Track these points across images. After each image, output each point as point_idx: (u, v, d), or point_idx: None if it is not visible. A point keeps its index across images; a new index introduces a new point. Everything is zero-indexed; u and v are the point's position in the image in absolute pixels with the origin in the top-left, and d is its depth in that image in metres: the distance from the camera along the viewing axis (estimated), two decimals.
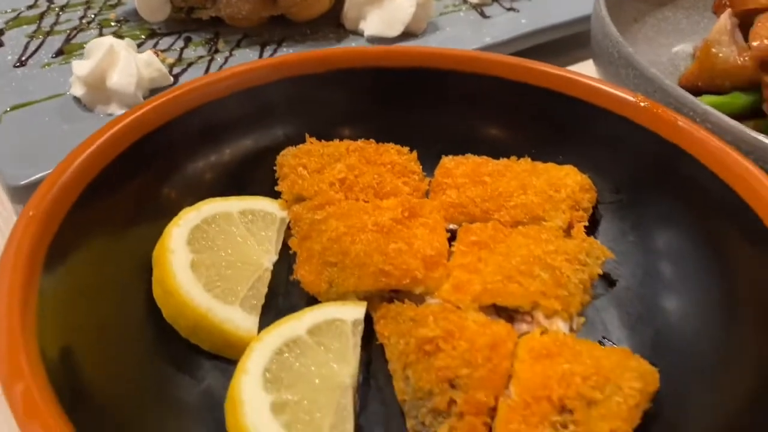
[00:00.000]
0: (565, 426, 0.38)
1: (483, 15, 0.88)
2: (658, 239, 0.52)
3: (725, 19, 0.73)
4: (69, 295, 0.42)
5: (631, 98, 0.54)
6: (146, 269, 0.48)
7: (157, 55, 0.74)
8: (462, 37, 0.81)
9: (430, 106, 0.62)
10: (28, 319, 0.37)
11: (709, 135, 0.50)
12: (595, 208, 0.56)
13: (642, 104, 0.54)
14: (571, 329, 0.45)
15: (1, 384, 0.32)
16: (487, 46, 0.80)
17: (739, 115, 0.71)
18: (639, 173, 0.54)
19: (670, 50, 0.83)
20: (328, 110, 0.60)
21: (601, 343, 0.48)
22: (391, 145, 0.59)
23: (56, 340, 0.38)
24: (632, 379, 0.40)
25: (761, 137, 0.49)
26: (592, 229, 0.55)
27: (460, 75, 0.60)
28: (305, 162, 0.56)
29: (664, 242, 0.51)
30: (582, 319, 0.47)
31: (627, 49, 0.60)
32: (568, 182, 0.54)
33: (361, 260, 0.47)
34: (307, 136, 0.58)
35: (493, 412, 0.40)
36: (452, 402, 0.40)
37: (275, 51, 0.78)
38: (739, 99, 0.71)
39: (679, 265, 0.50)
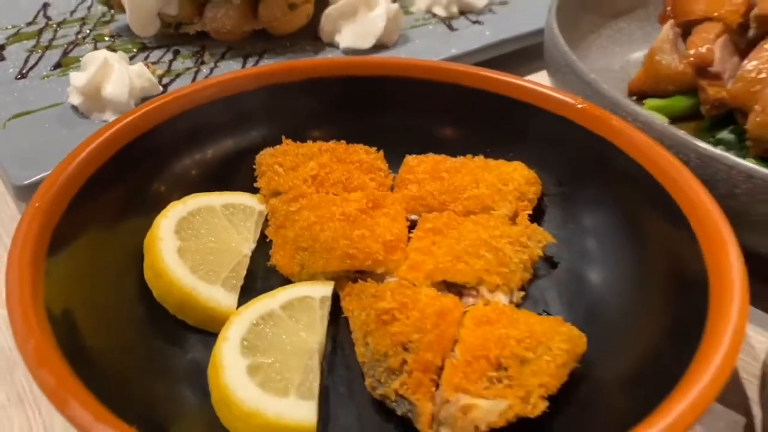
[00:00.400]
0: (500, 380, 0.44)
1: (450, 28, 0.95)
2: (593, 224, 0.58)
3: (667, 29, 0.80)
4: (70, 275, 0.48)
5: (570, 101, 0.61)
6: (138, 255, 0.54)
7: (148, 67, 0.80)
8: (430, 49, 0.88)
9: (395, 111, 0.68)
10: (37, 292, 0.43)
11: (637, 131, 0.56)
12: (541, 199, 0.62)
13: (579, 106, 0.60)
14: (511, 301, 0.52)
15: (15, 340, 0.38)
16: (454, 57, 0.86)
17: (681, 117, 0.78)
18: (579, 167, 0.61)
19: (623, 58, 0.90)
20: (302, 115, 0.67)
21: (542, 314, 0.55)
22: (360, 145, 0.66)
23: (61, 312, 0.44)
24: (561, 341, 0.47)
25: (680, 133, 0.56)
26: (538, 218, 0.61)
27: (421, 82, 0.66)
28: (281, 161, 0.63)
29: (598, 227, 0.58)
30: (521, 293, 0.53)
31: (571, 57, 0.66)
32: (515, 176, 0.61)
33: (329, 245, 0.54)
34: (283, 138, 0.65)
35: (440, 370, 0.46)
36: (404, 362, 0.46)
37: (257, 62, 0.84)
38: (681, 102, 0.78)
39: (609, 247, 0.56)
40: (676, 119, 0.78)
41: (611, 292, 0.53)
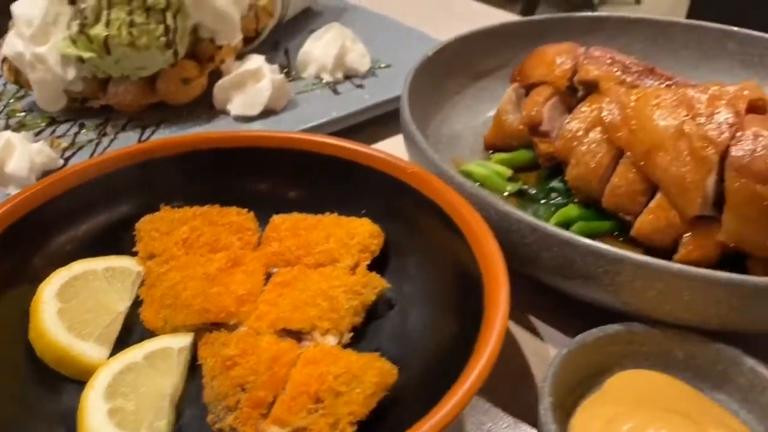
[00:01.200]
0: (316, 411, 0.54)
1: (335, 92, 1.06)
2: (421, 268, 0.69)
3: (510, 92, 0.92)
4: None
5: (403, 166, 0.72)
6: (26, 318, 0.62)
7: (53, 142, 0.89)
8: (313, 113, 0.98)
9: (265, 176, 0.78)
10: None
11: (452, 192, 0.67)
12: (386, 249, 0.72)
13: (409, 171, 0.71)
14: (340, 342, 0.62)
15: None
16: (334, 120, 0.97)
17: (524, 167, 0.90)
18: (412, 221, 0.71)
19: (486, 115, 1.01)
20: (180, 184, 0.76)
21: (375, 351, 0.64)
22: (234, 208, 0.75)
23: None
24: (373, 375, 0.56)
25: (483, 193, 0.66)
26: (382, 266, 0.71)
27: (283, 151, 0.77)
28: (158, 226, 0.72)
29: (423, 270, 0.68)
30: (350, 335, 0.63)
31: (411, 126, 0.77)
32: (360, 231, 0.71)
33: (189, 302, 0.63)
34: (162, 205, 0.74)
35: (272, 405, 0.55)
36: (239, 401, 0.55)
37: (153, 132, 0.94)
38: (524, 155, 0.90)
39: (428, 286, 0.67)
40: (520, 169, 0.89)
41: (424, 325, 0.64)
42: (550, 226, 0.61)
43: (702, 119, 0.70)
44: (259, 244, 0.73)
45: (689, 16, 1.65)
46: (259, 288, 0.66)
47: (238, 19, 1.00)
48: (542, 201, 0.84)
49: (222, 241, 0.71)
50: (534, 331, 0.71)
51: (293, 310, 0.62)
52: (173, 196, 0.75)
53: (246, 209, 0.75)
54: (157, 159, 0.74)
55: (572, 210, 0.79)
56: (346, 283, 0.65)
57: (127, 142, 0.92)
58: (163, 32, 0.89)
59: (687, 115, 0.71)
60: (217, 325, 0.63)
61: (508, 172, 0.88)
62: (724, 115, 0.70)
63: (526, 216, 0.62)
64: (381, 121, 1.03)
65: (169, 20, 0.90)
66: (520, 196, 0.85)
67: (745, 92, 0.73)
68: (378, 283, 0.67)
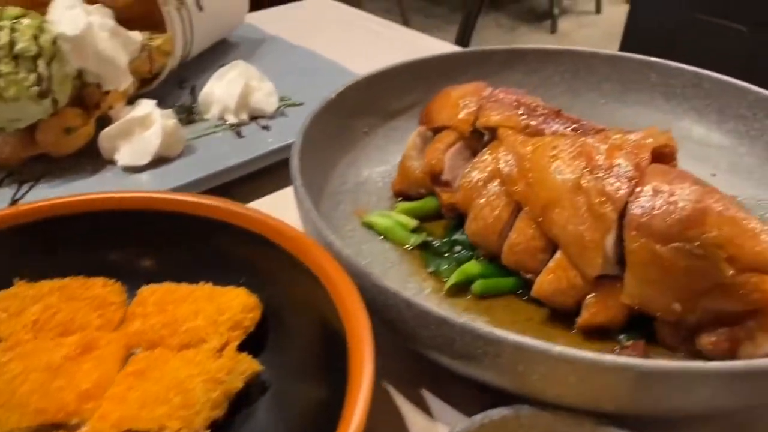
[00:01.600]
0: None
1: (239, 135, 0.99)
2: (299, 342, 0.63)
3: (414, 136, 0.87)
4: None
5: (282, 228, 0.65)
6: None
7: None
8: (209, 159, 0.91)
9: (133, 242, 0.71)
10: None
11: (330, 260, 0.61)
12: (266, 321, 0.66)
13: (288, 234, 0.65)
14: None
15: None
16: (231, 167, 0.90)
17: (432, 216, 0.84)
18: (291, 290, 0.65)
19: (398, 157, 0.95)
20: (36, 255, 0.69)
21: None
22: (100, 279, 0.68)
23: None
24: None
25: (361, 264, 0.60)
26: (262, 341, 0.65)
27: (149, 213, 0.70)
28: (7, 305, 0.64)
29: (302, 345, 0.63)
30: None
31: (297, 182, 0.71)
32: (233, 305, 0.64)
33: (25, 399, 0.55)
34: (16, 279, 0.67)
35: None
36: None
37: (32, 188, 0.86)
38: (430, 203, 0.84)
39: (306, 364, 0.61)
40: (427, 218, 0.84)
41: (296, 410, 0.58)
42: (425, 304, 0.55)
43: (601, 172, 0.65)
44: (123, 321, 0.66)
45: (624, 36, 1.62)
46: (110, 378, 0.59)
47: (125, 62, 0.93)
48: (446, 255, 0.78)
49: (78, 321, 0.64)
50: (425, 409, 0.64)
51: (141, 407, 0.55)
52: (30, 269, 0.68)
53: (114, 279, 0.68)
54: (6, 229, 0.67)
55: (473, 267, 0.73)
56: (208, 370, 0.58)
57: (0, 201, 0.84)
58: (35, 81, 0.82)
59: (586, 168, 0.66)
60: (57, 426, 0.56)
61: (413, 223, 0.82)
62: (623, 168, 0.65)
63: (401, 291, 0.56)
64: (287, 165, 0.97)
65: (42, 68, 0.82)
66: (424, 249, 0.79)
67: (649, 140, 0.68)
68: (247, 367, 0.60)
